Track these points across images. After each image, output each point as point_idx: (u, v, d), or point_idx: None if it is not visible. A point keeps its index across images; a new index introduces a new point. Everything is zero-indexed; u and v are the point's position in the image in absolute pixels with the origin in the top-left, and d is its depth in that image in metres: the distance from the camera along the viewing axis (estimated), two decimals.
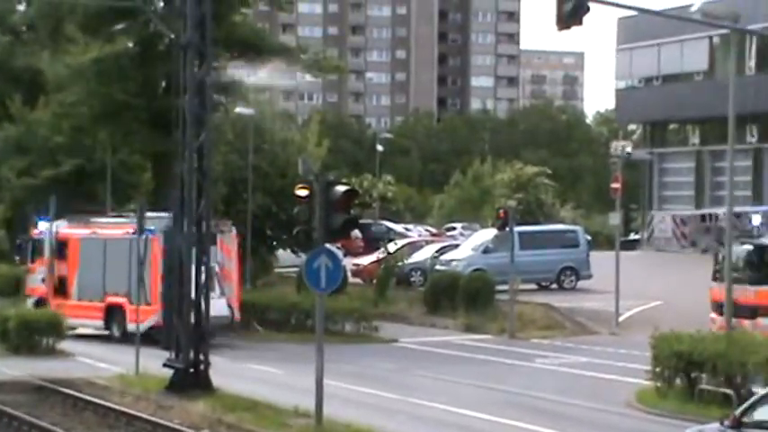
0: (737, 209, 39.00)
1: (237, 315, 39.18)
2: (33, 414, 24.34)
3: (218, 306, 35.02)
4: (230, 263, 39.18)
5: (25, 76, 59.52)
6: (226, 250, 38.86)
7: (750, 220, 35.47)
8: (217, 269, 36.35)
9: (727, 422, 16.56)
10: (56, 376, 30.00)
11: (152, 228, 34.43)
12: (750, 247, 34.72)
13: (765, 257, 34.16)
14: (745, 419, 16.25)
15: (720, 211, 37.74)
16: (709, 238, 36.59)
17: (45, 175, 58.42)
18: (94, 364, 33.91)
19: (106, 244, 40.02)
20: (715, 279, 35.19)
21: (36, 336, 36.45)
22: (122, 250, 36.83)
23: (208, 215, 28.52)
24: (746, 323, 33.30)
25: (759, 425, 16.03)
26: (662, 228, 34.65)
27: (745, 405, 16.91)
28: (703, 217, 37.41)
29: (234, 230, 39.98)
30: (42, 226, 43.92)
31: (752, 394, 20.40)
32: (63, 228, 42.47)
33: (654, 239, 35.71)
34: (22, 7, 60.73)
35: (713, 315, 34.57)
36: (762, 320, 33.38)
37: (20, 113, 59.78)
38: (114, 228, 40.45)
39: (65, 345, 37.00)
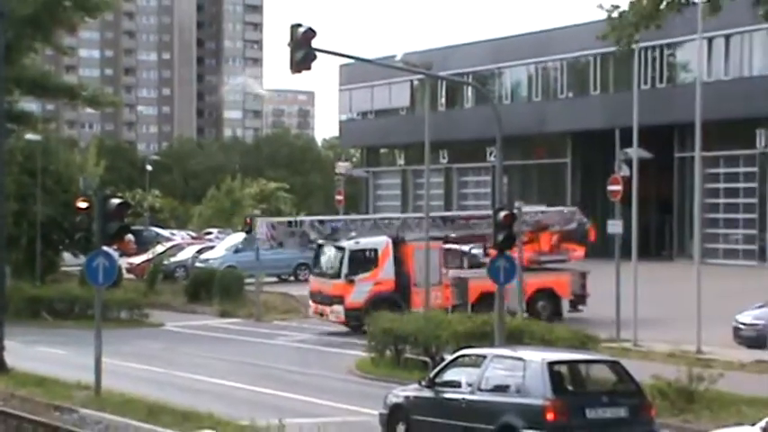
0: (324, 217, 39.63)
1: None
2: None
3: None
4: None
5: None
6: None
7: (331, 227, 36.51)
8: None
9: (423, 382, 16.98)
10: None
11: None
12: (331, 249, 35.37)
13: (340, 257, 34.71)
14: (437, 380, 16.69)
15: (307, 218, 38.73)
16: (294, 242, 37.19)
17: None
18: None
19: None
20: (313, 274, 36.19)
21: None
22: None
23: (3, 226, 27.54)
24: (327, 309, 34.52)
25: (446, 384, 16.48)
26: (261, 231, 35.38)
27: (437, 369, 17.38)
28: (290, 223, 37.77)
29: None
30: None
31: (443, 360, 21.01)
32: None
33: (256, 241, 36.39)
34: None
35: (311, 302, 35.77)
36: (336, 307, 34.42)
37: None
38: None
39: None
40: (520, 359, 15.63)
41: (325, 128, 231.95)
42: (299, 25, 22.59)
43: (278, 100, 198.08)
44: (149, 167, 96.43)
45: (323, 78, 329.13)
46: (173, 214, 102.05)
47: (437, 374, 16.83)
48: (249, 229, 43.68)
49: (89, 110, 71.30)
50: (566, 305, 35.48)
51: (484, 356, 16.29)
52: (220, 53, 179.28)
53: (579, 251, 37.38)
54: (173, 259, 52.41)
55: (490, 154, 59.41)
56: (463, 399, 15.79)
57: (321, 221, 38.09)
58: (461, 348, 19.27)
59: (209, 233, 78.08)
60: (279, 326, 38.86)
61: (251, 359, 29.77)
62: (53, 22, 48.71)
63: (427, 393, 16.55)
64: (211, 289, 44.81)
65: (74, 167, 52.20)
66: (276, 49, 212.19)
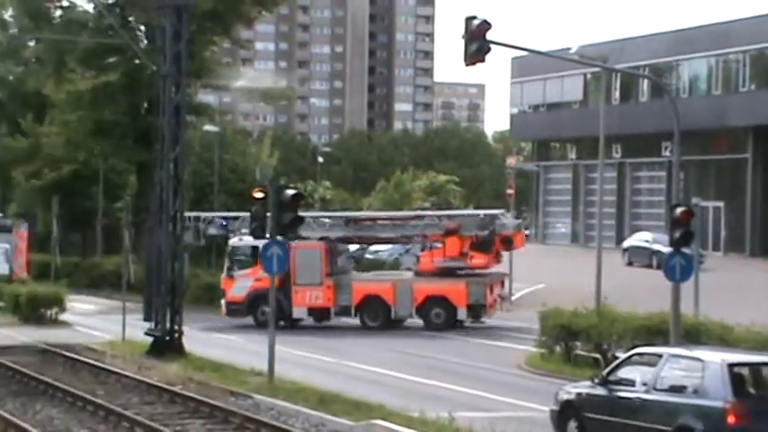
0: (227, 214, 39.45)
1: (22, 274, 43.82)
2: (39, 372, 24.11)
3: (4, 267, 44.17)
4: (21, 244, 45.71)
5: (34, 98, 58.92)
6: (19, 236, 45.71)
7: (220, 223, 37.41)
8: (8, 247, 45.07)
9: (596, 380, 16.73)
10: (58, 342, 29.74)
11: None
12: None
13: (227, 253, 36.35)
14: (611, 377, 16.42)
15: (208, 214, 38.69)
16: (189, 235, 37.10)
17: (48, 178, 57.81)
18: (89, 332, 33.65)
19: None
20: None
21: (42, 308, 36.13)
22: None
23: (182, 213, 28.42)
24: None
25: (620, 382, 16.19)
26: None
27: (611, 366, 17.09)
28: (189, 218, 37.24)
29: (25, 225, 46.69)
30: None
31: (615, 358, 20.65)
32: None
33: None
34: (32, 43, 60.06)
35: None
36: (222, 300, 36.28)
37: (30, 128, 59.14)
38: None
39: (65, 316, 36.67)
40: (698, 359, 15.23)
41: (495, 121, 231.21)
42: (474, 17, 22.52)
43: (448, 92, 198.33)
44: (321, 159, 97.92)
45: (493, 71, 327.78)
46: (343, 205, 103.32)
47: (611, 372, 16.55)
48: None
49: (263, 102, 72.60)
50: (464, 314, 34.64)
51: (660, 355, 15.94)
52: (392, 46, 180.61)
53: (481, 260, 35.29)
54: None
55: (665, 149, 58.06)
56: (638, 398, 15.49)
57: (218, 218, 38.54)
58: (635, 346, 18.89)
59: None
60: None
61: (421, 351, 29.89)
62: (232, 16, 49.97)
63: (600, 391, 16.30)
64: None
65: (249, 158, 53.49)
66: (447, 41, 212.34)
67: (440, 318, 34.76)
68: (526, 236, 73.67)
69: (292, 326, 35.15)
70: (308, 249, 34.26)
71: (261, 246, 32.92)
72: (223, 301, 36.22)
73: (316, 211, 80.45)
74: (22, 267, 46.19)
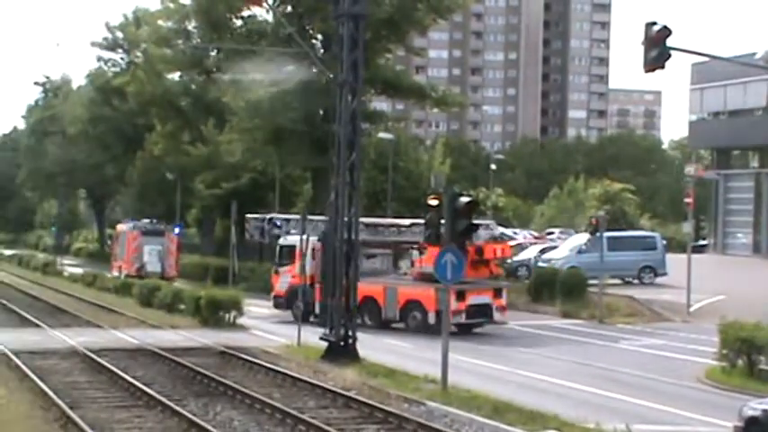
0: (284, 216, 43.79)
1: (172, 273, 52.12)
2: (219, 374, 24.71)
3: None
4: (172, 246, 55.96)
5: (215, 107, 60.59)
6: (170, 239, 56.07)
7: (275, 223, 42.27)
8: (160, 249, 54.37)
9: None
10: (236, 344, 30.44)
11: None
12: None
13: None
14: None
15: (272, 215, 43.82)
16: (258, 234, 42.84)
17: (227, 186, 59.35)
18: (265, 336, 34.32)
19: None
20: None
21: (221, 311, 37.04)
22: None
23: (357, 220, 28.73)
24: None
25: None
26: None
27: None
28: (261, 219, 42.78)
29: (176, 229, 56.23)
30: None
31: None
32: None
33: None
34: (213, 53, 61.89)
35: None
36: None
37: (210, 136, 60.80)
38: None
39: (243, 320, 37.54)
40: None
41: (671, 128, 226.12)
42: (654, 23, 22.14)
43: (623, 99, 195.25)
44: (493, 166, 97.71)
45: (670, 78, 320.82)
46: (515, 213, 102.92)
47: None
48: (594, 230, 43.36)
49: (437, 110, 72.96)
50: (433, 318, 34.85)
51: None
52: (566, 52, 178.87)
53: None
54: (516, 258, 52.78)
55: None
56: None
57: (276, 219, 42.99)
58: None
59: (551, 233, 78.13)
60: (622, 329, 38.26)
61: (595, 361, 29.43)
62: (407, 24, 50.35)
63: None
64: (554, 289, 44.73)
65: (422, 165, 53.80)
66: (623, 47, 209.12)
67: (416, 320, 35.89)
68: (705, 245, 72.12)
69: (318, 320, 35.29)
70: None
71: (297, 244, 36.91)
72: (272, 294, 40.08)
73: (487, 219, 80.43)
74: (172, 267, 53.86)
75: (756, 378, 24.71)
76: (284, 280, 39.20)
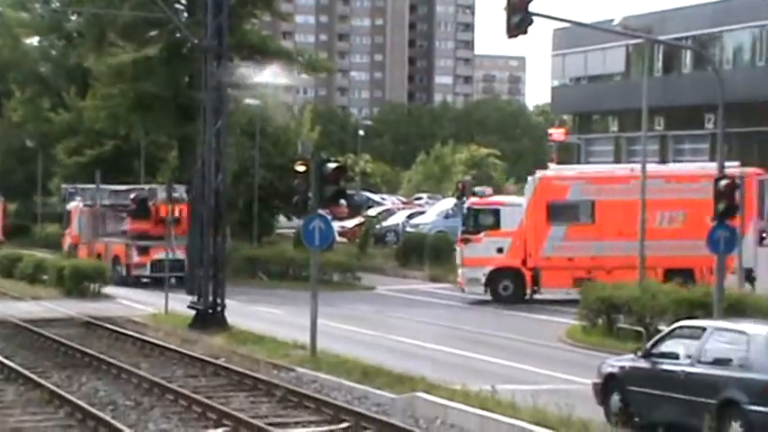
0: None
1: None
2: (83, 344, 24.38)
3: None
4: None
5: (77, 72, 59.24)
6: None
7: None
8: None
9: (639, 353, 16.69)
10: (101, 314, 30.03)
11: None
12: None
13: None
14: (654, 351, 16.38)
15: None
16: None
17: (90, 153, 58.20)
18: (132, 305, 33.94)
19: None
20: None
21: (85, 281, 36.44)
22: None
23: (223, 187, 28.53)
24: None
25: (664, 355, 16.15)
26: None
27: (654, 339, 17.05)
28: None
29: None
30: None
31: (658, 331, 20.58)
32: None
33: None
34: (74, 17, 60.39)
35: None
36: None
37: (72, 102, 59.52)
38: None
39: (108, 289, 37.00)
40: (743, 332, 15.16)
41: (536, 94, 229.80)
42: None
43: (489, 65, 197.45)
44: (361, 132, 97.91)
45: (534, 43, 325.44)
46: (383, 179, 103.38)
47: (654, 345, 16.51)
48: (461, 195, 43.91)
49: (304, 75, 72.53)
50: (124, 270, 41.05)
51: (704, 329, 15.87)
52: (432, 18, 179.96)
53: (137, 225, 41.87)
54: (384, 224, 53.15)
55: (708, 121, 57.49)
56: (682, 371, 15.45)
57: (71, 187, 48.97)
58: (678, 320, 18.82)
59: (419, 198, 78.73)
60: None
61: (461, 324, 29.95)
62: None
63: (643, 364, 16.27)
64: (422, 254, 45.22)
65: (290, 132, 53.54)
66: (488, 13, 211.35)
67: (117, 273, 40.77)
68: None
69: None
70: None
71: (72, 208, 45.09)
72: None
73: (356, 185, 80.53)
74: None
75: (615, 336, 25.44)
76: (67, 240, 45.02)
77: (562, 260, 33.75)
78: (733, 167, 32.29)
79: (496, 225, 34.76)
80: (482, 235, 34.55)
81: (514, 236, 34.25)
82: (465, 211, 35.98)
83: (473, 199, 36.00)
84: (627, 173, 34.76)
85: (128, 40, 49.34)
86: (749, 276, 30.50)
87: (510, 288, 34.57)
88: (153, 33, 49.43)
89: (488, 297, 34.79)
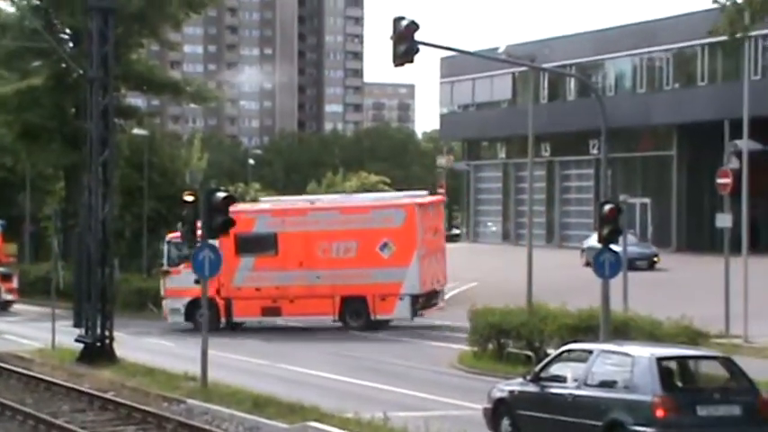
0: None
1: None
2: None
3: None
4: None
5: None
6: None
7: None
8: None
9: (528, 377, 16.85)
10: None
11: None
12: None
13: None
14: (543, 374, 16.55)
15: None
16: None
17: None
18: (18, 340, 33.16)
19: None
20: None
21: None
22: None
23: (111, 218, 28.13)
24: None
25: (552, 378, 16.34)
26: None
27: (542, 363, 17.23)
28: None
29: None
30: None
31: (547, 355, 20.82)
32: None
33: None
34: None
35: None
36: None
37: None
38: None
39: None
40: (627, 354, 15.43)
41: (425, 121, 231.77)
42: (402, 18, 22.62)
43: (378, 93, 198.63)
44: (251, 161, 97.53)
45: (423, 71, 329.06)
46: None
47: (542, 369, 16.68)
48: None
49: (193, 105, 72.07)
50: None
51: (590, 351, 16.11)
52: (321, 47, 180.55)
53: None
54: None
55: (593, 146, 58.70)
56: (569, 394, 15.65)
57: None
58: (566, 343, 19.08)
59: None
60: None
61: (354, 353, 29.87)
62: (159, 18, 49.54)
63: (532, 388, 16.42)
64: None
65: (179, 162, 53.11)
66: (377, 42, 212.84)
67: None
68: (458, 234, 74.31)
69: None
70: None
71: None
72: None
73: None
74: None
75: (506, 361, 25.64)
76: None
77: (251, 290, 34.73)
78: (420, 195, 36.22)
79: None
80: (181, 267, 34.84)
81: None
82: (165, 244, 37.00)
83: (172, 234, 36.97)
84: (306, 205, 36.36)
85: (11, 69, 48.52)
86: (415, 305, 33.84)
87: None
88: (37, 63, 48.67)
89: (191, 325, 35.00)
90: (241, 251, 33.87)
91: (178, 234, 35.31)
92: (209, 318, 33.40)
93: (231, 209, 33.40)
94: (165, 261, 36.64)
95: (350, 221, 33.93)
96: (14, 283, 43.15)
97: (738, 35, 20.58)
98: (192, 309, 34.69)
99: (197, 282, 33.38)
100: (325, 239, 33.24)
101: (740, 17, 20.09)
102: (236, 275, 34.02)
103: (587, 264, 50.32)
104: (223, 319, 34.76)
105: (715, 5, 20.52)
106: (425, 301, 34.06)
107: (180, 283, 34.76)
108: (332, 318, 34.42)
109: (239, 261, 33.80)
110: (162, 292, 36.69)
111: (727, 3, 20.35)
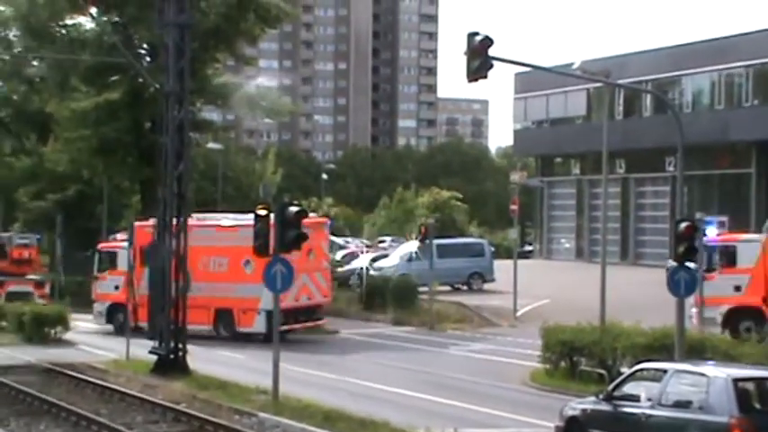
0: None
1: None
2: (43, 391, 24.07)
3: None
4: None
5: (38, 118, 59.04)
6: None
7: None
8: None
9: (601, 395, 16.71)
10: (61, 361, 29.69)
11: None
12: None
13: None
14: (616, 393, 16.40)
15: None
16: None
17: (53, 198, 57.87)
18: (93, 351, 33.59)
19: None
20: None
21: (46, 327, 36.06)
22: None
23: (185, 232, 28.41)
24: None
25: (625, 397, 16.19)
26: None
27: (616, 382, 17.07)
28: None
29: None
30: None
31: (620, 373, 20.60)
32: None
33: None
34: (35, 62, 60.22)
35: None
36: None
37: (34, 148, 59.24)
38: None
39: (70, 336, 36.61)
40: (703, 375, 15.22)
41: (499, 136, 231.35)
42: (476, 34, 22.56)
43: (452, 108, 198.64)
44: (325, 176, 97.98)
45: (497, 87, 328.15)
46: (347, 222, 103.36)
47: (615, 388, 16.53)
48: (423, 238, 44.00)
49: (267, 119, 72.76)
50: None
51: (665, 371, 15.92)
52: (395, 62, 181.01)
53: None
54: (347, 267, 53.01)
55: (669, 164, 58.02)
56: (643, 413, 15.48)
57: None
58: (640, 362, 18.87)
59: (383, 241, 78.75)
60: (452, 335, 38.86)
61: (425, 368, 29.83)
62: (235, 34, 50.05)
63: (605, 407, 16.28)
64: (385, 297, 45.12)
65: (253, 175, 53.61)
66: (451, 57, 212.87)
67: None
68: (531, 251, 73.79)
69: None
70: None
71: None
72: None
73: None
74: None
75: (578, 379, 25.45)
76: None
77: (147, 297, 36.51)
78: (312, 217, 37.48)
79: (114, 266, 39.32)
80: (106, 274, 39.65)
81: (125, 275, 36.52)
82: (96, 253, 41.15)
83: (103, 244, 41.77)
84: (192, 222, 37.64)
85: (90, 84, 49.35)
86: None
87: (119, 320, 37.73)
88: (115, 78, 49.41)
89: (111, 328, 38.84)
90: (145, 262, 34.98)
91: (109, 244, 41.94)
92: (124, 321, 35.61)
93: (137, 223, 36.17)
94: (95, 268, 40.58)
95: (223, 239, 36.54)
96: (47, 290, 46.10)
97: None
98: (112, 312, 38.97)
99: (116, 288, 38.47)
100: (204, 254, 35.71)
101: None
102: (142, 284, 34.97)
103: None
104: (132, 324, 35.35)
105: None
106: (290, 317, 35.55)
107: (105, 289, 39.45)
108: (208, 327, 36.72)
109: (143, 271, 34.78)
110: (93, 296, 40.71)
111: None
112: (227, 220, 38.72)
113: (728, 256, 32.02)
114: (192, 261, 34.13)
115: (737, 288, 30.63)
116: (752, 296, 31.61)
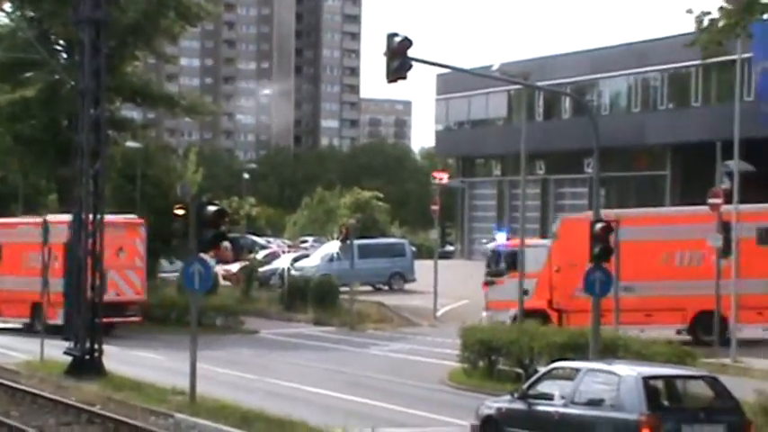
0: None
1: None
2: None
3: None
4: None
5: None
6: None
7: None
8: None
9: (516, 394, 16.88)
10: None
11: None
12: None
13: None
14: (530, 392, 16.58)
15: None
16: None
17: None
18: (6, 352, 33.04)
19: None
20: None
21: None
22: None
23: (101, 231, 28.09)
24: None
25: (540, 396, 16.37)
26: None
27: (530, 381, 17.27)
28: None
29: None
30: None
31: (536, 372, 20.84)
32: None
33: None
34: None
35: None
36: None
37: None
38: None
39: None
40: (614, 373, 15.47)
41: (422, 137, 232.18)
42: (396, 35, 22.69)
43: (374, 109, 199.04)
44: (246, 175, 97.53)
45: (420, 88, 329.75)
46: (269, 222, 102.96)
47: (530, 386, 16.73)
48: (345, 238, 44.05)
49: (188, 118, 72.09)
50: None
51: (578, 370, 16.15)
52: (318, 62, 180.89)
53: None
54: (268, 267, 52.86)
55: (587, 165, 58.82)
56: (556, 412, 15.68)
57: None
58: (555, 361, 19.10)
59: (305, 241, 78.65)
60: (372, 335, 38.99)
61: (344, 367, 29.88)
62: (154, 31, 49.54)
63: (520, 405, 16.46)
64: (306, 297, 45.09)
65: (173, 174, 53.01)
66: (374, 58, 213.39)
67: None
68: (452, 251, 74.19)
69: None
70: None
71: None
72: None
73: (241, 229, 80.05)
74: None
75: (496, 378, 25.68)
76: None
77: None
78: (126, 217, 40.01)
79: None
80: None
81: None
82: None
83: None
84: (17, 220, 41.10)
85: (4, 81, 48.49)
86: None
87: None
88: (30, 74, 48.65)
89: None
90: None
91: None
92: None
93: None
94: None
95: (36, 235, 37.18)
96: None
97: (711, 51, 20.80)
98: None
99: None
100: (28, 250, 36.83)
101: (714, 33, 20.22)
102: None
103: None
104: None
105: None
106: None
107: None
108: (26, 320, 38.13)
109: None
110: None
111: (703, 19, 20.45)
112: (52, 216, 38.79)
113: (516, 262, 32.51)
114: (17, 256, 37.78)
115: (525, 292, 31.31)
116: (538, 300, 32.90)
